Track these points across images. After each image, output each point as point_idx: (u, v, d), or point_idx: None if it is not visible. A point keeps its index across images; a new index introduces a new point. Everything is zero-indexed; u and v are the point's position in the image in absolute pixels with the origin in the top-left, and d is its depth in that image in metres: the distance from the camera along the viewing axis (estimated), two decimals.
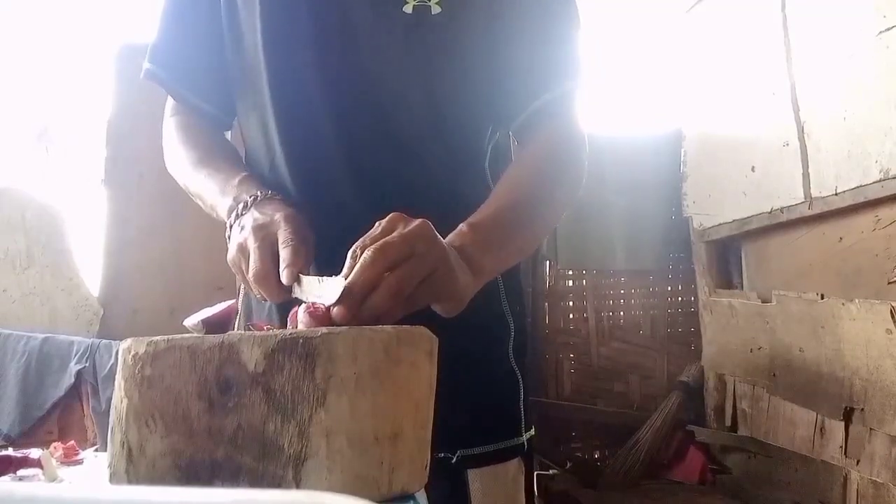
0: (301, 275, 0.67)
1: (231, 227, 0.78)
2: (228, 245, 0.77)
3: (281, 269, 0.68)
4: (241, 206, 0.78)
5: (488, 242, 0.74)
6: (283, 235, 0.71)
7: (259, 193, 0.78)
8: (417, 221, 0.66)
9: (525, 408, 0.95)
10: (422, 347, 0.58)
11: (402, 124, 0.88)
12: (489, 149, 0.95)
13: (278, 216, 0.73)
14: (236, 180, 0.83)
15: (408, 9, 0.85)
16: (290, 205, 0.78)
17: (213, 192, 0.85)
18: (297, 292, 0.67)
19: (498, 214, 0.78)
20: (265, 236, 0.72)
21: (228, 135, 1.02)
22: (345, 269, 0.63)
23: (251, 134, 0.95)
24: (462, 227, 0.74)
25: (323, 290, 0.64)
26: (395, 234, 0.64)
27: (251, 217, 0.75)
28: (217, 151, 0.93)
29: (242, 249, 0.73)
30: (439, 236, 0.68)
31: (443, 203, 0.78)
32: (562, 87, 0.91)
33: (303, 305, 0.65)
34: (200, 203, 0.89)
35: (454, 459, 0.86)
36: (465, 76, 0.89)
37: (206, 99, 0.96)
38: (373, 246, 0.62)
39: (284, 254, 0.69)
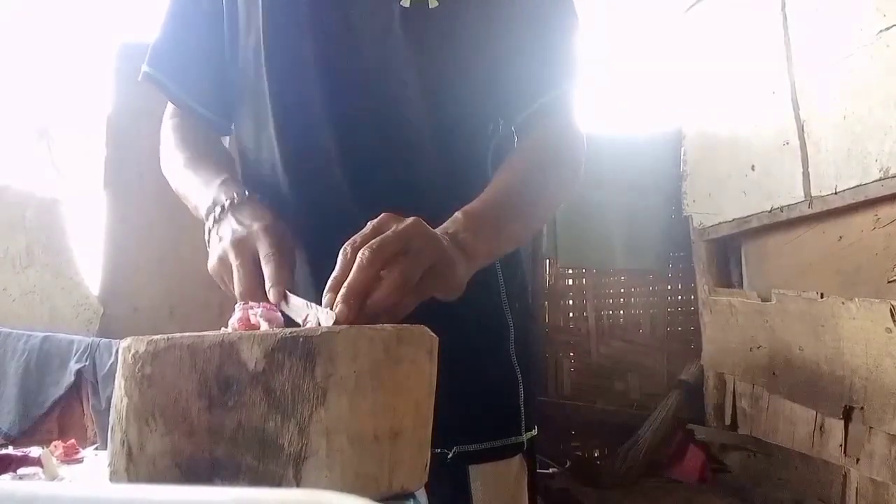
0: (288, 292, 0.68)
1: (209, 231, 0.79)
2: (208, 251, 0.78)
3: (267, 288, 0.69)
4: (218, 208, 0.79)
5: (482, 229, 0.75)
6: (263, 249, 0.71)
7: (235, 196, 0.79)
8: (410, 219, 0.66)
9: (527, 407, 0.94)
10: (422, 346, 0.58)
11: (401, 121, 0.88)
12: (491, 146, 0.95)
13: (256, 227, 0.74)
14: (218, 181, 0.84)
15: (405, 3, 0.85)
16: (267, 209, 0.78)
17: (195, 192, 0.86)
18: (285, 308, 0.68)
19: (492, 203, 0.79)
20: (245, 251, 0.72)
21: (227, 140, 1.01)
22: (335, 269, 0.64)
23: (248, 135, 0.95)
24: (457, 214, 0.75)
25: (314, 322, 0.64)
26: (388, 232, 0.64)
27: (229, 227, 0.76)
28: (206, 153, 0.93)
29: (223, 263, 0.74)
30: (434, 231, 0.69)
31: (441, 202, 0.78)
32: (560, 88, 0.91)
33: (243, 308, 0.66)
34: (187, 203, 0.89)
35: (450, 455, 0.86)
36: (463, 72, 0.89)
37: (205, 104, 0.96)
38: (369, 244, 0.63)
39: (268, 271, 0.70)
